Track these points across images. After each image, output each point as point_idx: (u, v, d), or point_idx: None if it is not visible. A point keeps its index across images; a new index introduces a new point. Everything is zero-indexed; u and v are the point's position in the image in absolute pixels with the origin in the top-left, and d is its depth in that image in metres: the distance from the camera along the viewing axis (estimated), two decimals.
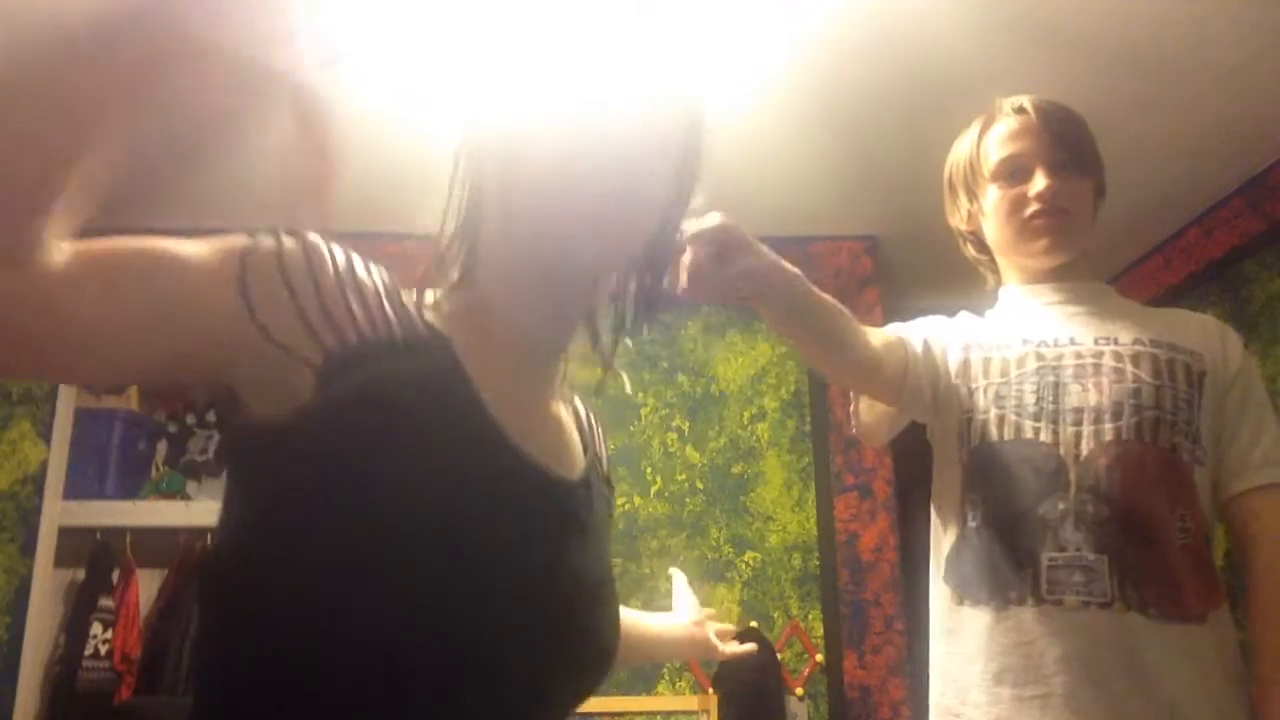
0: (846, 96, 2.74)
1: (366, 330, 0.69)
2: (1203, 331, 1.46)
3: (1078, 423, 1.35)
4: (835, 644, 3.26)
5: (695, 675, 3.21)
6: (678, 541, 3.39)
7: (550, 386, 0.91)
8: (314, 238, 0.71)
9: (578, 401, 1.02)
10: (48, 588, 3.31)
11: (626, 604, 3.61)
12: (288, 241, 0.69)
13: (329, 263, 0.70)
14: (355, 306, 0.69)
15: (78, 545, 3.35)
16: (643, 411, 3.51)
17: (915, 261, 3.75)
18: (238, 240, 0.69)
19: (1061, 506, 1.32)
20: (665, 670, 3.27)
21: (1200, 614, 1.32)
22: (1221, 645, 1.34)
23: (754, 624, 3.25)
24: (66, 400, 3.43)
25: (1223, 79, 2.67)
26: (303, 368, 0.66)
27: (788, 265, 1.26)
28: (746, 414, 3.53)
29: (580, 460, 0.88)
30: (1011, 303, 1.56)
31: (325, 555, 0.61)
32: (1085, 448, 1.34)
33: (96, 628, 3.20)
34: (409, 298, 0.78)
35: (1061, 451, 1.35)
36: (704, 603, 3.29)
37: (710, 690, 3.12)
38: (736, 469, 3.47)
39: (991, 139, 1.54)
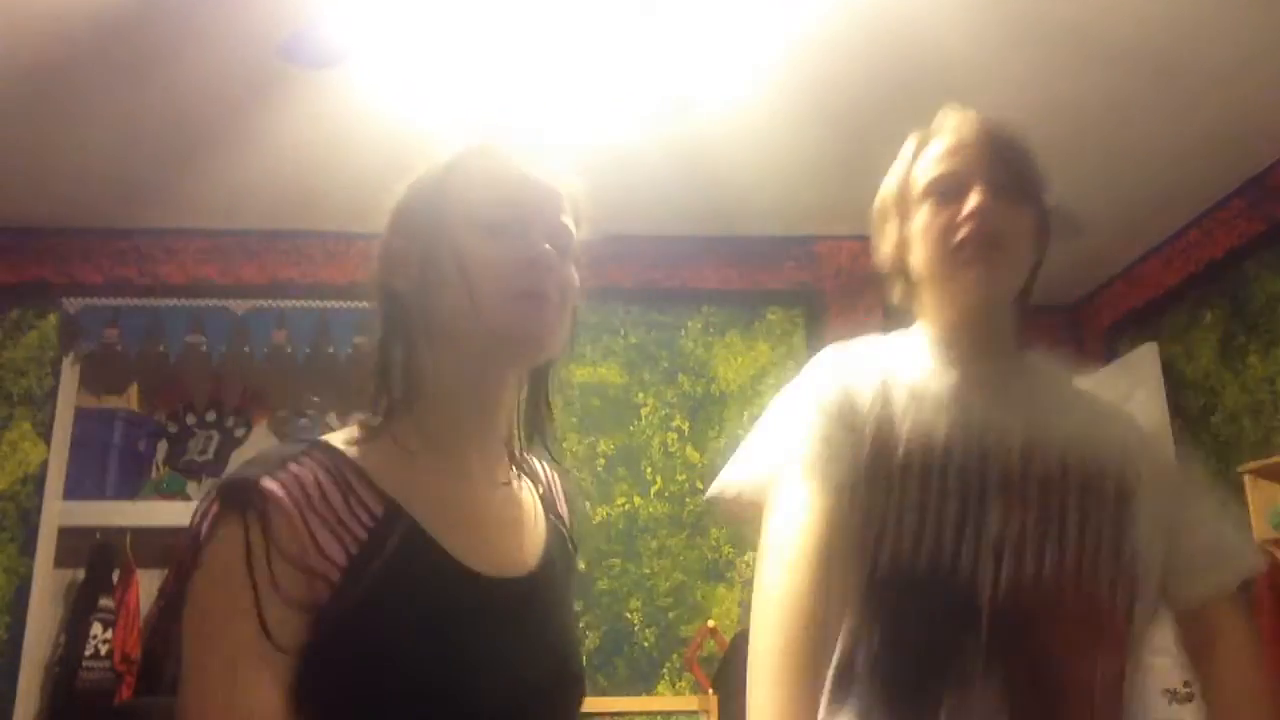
0: (846, 96, 2.74)
1: (349, 551, 0.87)
2: (1126, 436, 1.26)
3: (996, 554, 1.13)
4: None
5: (695, 675, 3.20)
6: (678, 541, 3.39)
7: (500, 466, 1.03)
8: (273, 511, 0.85)
9: (538, 464, 1.12)
10: (48, 588, 3.31)
11: (625, 604, 3.59)
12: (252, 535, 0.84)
13: (294, 522, 0.85)
14: (327, 542, 0.86)
15: (78, 545, 3.35)
16: (643, 411, 3.51)
17: None
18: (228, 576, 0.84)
19: (965, 667, 1.12)
20: (665, 670, 3.27)
21: None
22: None
23: None
24: (66, 400, 3.43)
25: (1222, 79, 2.67)
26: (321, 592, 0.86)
27: None
28: (747, 414, 3.53)
29: (539, 543, 1.03)
30: (931, 360, 1.31)
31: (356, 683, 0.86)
32: (1005, 582, 1.13)
33: (96, 628, 3.20)
34: (353, 467, 0.91)
35: (978, 591, 1.12)
36: (704, 603, 3.31)
37: (710, 690, 3.12)
38: None
39: (926, 156, 1.34)
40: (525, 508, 1.04)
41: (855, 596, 1.17)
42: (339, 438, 0.93)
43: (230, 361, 3.48)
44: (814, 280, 3.64)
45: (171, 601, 3.29)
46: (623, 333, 3.57)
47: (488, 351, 0.97)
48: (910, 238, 1.32)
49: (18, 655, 3.15)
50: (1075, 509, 1.16)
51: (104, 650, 3.19)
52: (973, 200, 1.24)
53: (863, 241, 4.12)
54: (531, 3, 2.33)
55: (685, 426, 3.51)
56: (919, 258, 1.30)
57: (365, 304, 1.02)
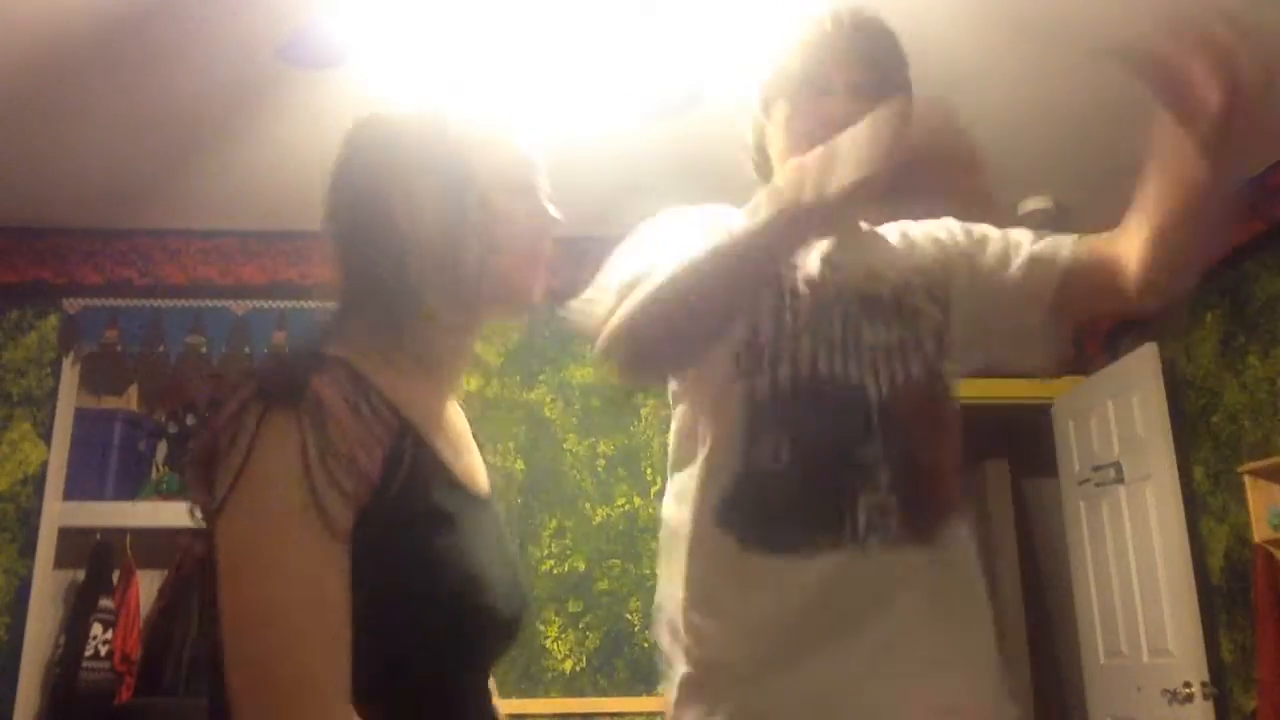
0: None
1: (383, 455, 0.89)
2: (934, 239, 1.37)
3: (874, 363, 1.24)
4: None
5: None
6: None
7: (457, 397, 1.08)
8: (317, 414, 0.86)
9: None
10: (48, 588, 3.31)
11: (626, 605, 3.58)
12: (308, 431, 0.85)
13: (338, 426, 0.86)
14: (368, 443, 0.88)
15: (78, 546, 3.35)
16: (643, 411, 3.51)
17: None
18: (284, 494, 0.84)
19: (871, 450, 1.21)
20: (666, 670, 3.27)
21: (939, 538, 1.24)
22: (954, 561, 1.25)
23: None
24: (66, 401, 3.43)
25: None
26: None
27: None
28: None
29: (483, 467, 1.08)
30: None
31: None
32: (885, 389, 1.23)
33: (96, 628, 3.20)
34: (369, 382, 0.92)
35: (870, 394, 1.22)
36: None
37: None
38: None
39: (791, 47, 1.33)
40: (470, 433, 1.10)
41: (736, 412, 1.23)
42: (339, 351, 0.94)
43: (230, 361, 3.48)
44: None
45: (171, 602, 3.29)
46: None
47: (484, 300, 1.01)
48: (772, 137, 1.35)
49: (18, 656, 3.15)
50: (912, 315, 1.28)
51: (104, 651, 3.19)
52: (831, 104, 1.25)
53: None
54: (532, 2, 2.33)
55: None
56: (776, 153, 1.34)
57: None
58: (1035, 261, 1.32)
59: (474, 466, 1.05)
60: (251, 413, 0.85)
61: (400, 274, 0.96)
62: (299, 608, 0.81)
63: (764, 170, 1.41)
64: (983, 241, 1.36)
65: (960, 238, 1.37)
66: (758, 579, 1.20)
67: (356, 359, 0.93)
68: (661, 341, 1.22)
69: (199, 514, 0.88)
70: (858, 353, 1.24)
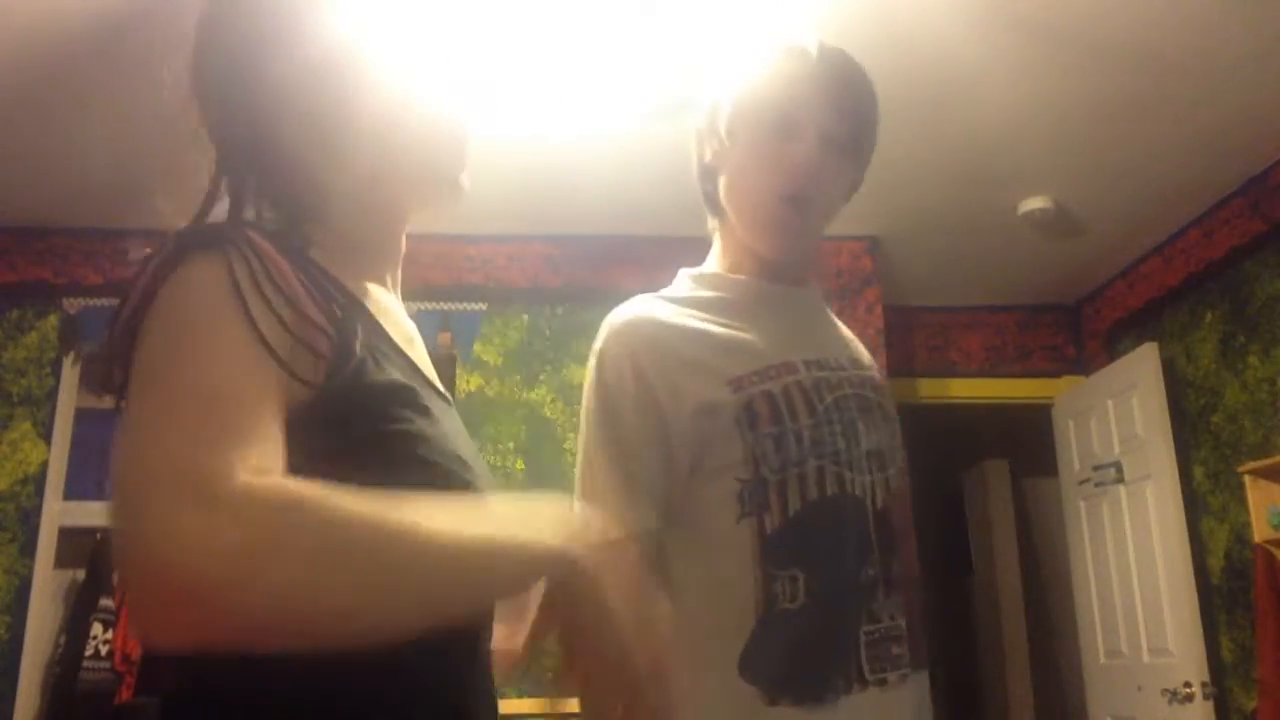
0: None
1: (334, 314, 0.78)
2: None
3: (871, 470, 1.16)
4: None
5: None
6: None
7: (395, 292, 0.97)
8: (261, 267, 0.74)
9: None
10: (48, 588, 3.31)
11: None
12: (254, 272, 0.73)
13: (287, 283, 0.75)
14: (316, 295, 0.77)
15: (78, 545, 3.35)
16: None
17: (915, 261, 3.75)
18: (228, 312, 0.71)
19: (872, 571, 1.13)
20: None
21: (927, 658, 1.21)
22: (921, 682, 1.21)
23: None
24: (67, 401, 3.43)
25: (1223, 79, 2.67)
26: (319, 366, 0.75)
27: None
28: None
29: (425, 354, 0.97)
30: (744, 298, 1.27)
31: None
32: (880, 501, 1.15)
33: (97, 628, 3.20)
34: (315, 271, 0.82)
35: (868, 505, 1.14)
36: None
37: None
38: None
39: (768, 75, 1.25)
40: (419, 336, 0.99)
41: (744, 555, 1.12)
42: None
43: None
44: (814, 280, 3.63)
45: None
46: None
47: (395, 181, 0.92)
48: (727, 164, 1.26)
49: (18, 655, 3.15)
50: (882, 419, 1.21)
51: (104, 650, 3.19)
52: (799, 152, 1.19)
53: (862, 241, 4.12)
54: (532, 2, 2.33)
55: None
56: (733, 189, 1.26)
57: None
58: None
59: (428, 363, 0.94)
60: (171, 263, 0.73)
61: (303, 141, 0.86)
62: (205, 402, 0.65)
63: (711, 196, 1.32)
64: None
65: None
66: None
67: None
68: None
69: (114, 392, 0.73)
70: (857, 463, 1.15)
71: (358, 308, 0.83)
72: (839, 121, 1.20)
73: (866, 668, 1.10)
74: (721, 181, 1.27)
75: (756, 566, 1.11)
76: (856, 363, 1.25)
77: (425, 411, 0.81)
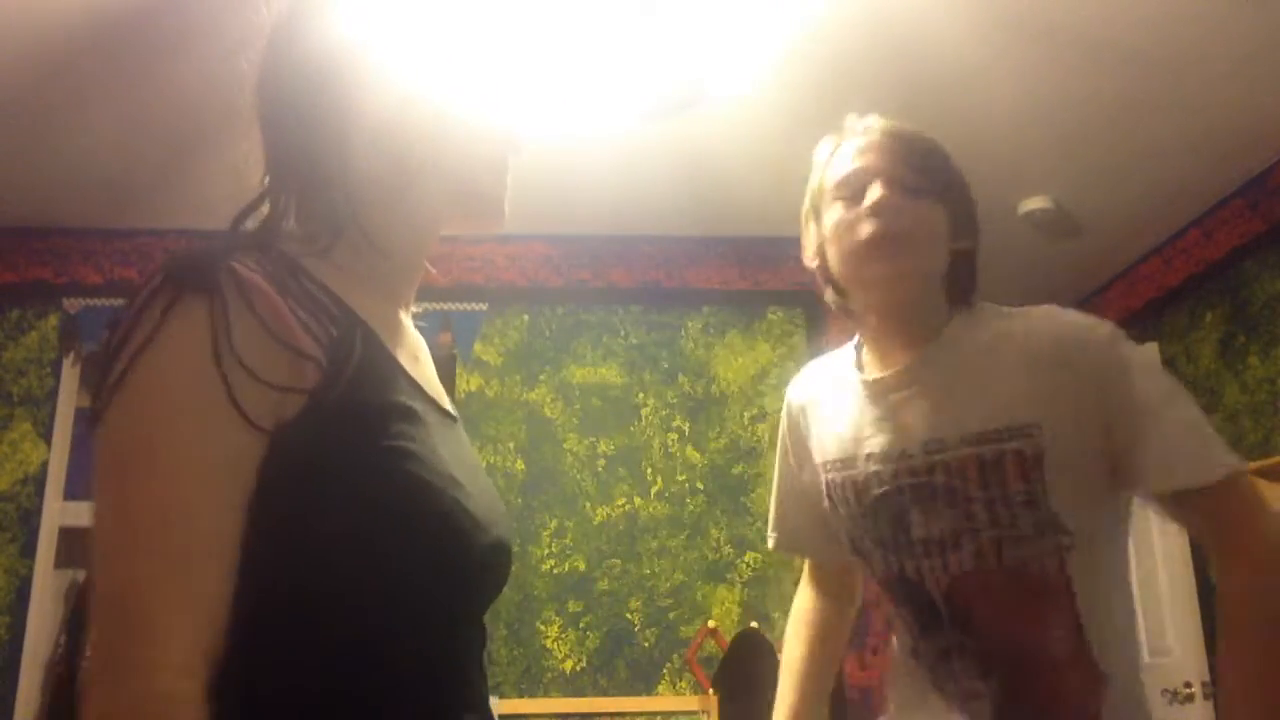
0: (848, 96, 2.73)
1: (328, 336, 0.79)
2: (1047, 381, 1.25)
3: (927, 555, 1.26)
4: None
5: (696, 675, 3.21)
6: (678, 542, 3.39)
7: (408, 312, 0.98)
8: (241, 306, 0.75)
9: None
10: (48, 588, 3.31)
11: (626, 604, 3.58)
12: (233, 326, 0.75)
13: (268, 315, 0.76)
14: (309, 322, 0.78)
15: (78, 545, 3.34)
16: (643, 412, 3.51)
17: None
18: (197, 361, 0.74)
19: (943, 644, 1.27)
20: (666, 670, 3.27)
21: (1092, 713, 1.21)
22: None
23: (755, 625, 3.25)
24: (67, 401, 3.43)
25: (1223, 79, 2.67)
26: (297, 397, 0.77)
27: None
28: (747, 414, 3.53)
29: (443, 389, 0.98)
30: (845, 384, 1.38)
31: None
32: (945, 583, 1.25)
33: None
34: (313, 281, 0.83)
35: (928, 587, 1.26)
36: (704, 603, 3.31)
37: (710, 690, 3.12)
38: (737, 469, 3.47)
39: (836, 157, 1.36)
40: (429, 354, 1.00)
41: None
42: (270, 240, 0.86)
43: None
44: (814, 280, 3.63)
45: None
46: (623, 333, 3.57)
47: (440, 203, 0.93)
48: (825, 239, 1.36)
49: (18, 655, 3.15)
50: (982, 496, 1.22)
51: None
52: (873, 193, 1.28)
53: None
54: (532, 2, 2.33)
55: (685, 427, 3.51)
56: (833, 255, 1.34)
57: None
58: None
59: (435, 382, 0.95)
60: (158, 301, 0.74)
61: (343, 157, 0.87)
62: (166, 514, 0.70)
63: (824, 273, 1.41)
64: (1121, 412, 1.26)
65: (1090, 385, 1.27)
66: None
67: (290, 246, 0.84)
68: None
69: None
70: (907, 550, 1.27)
71: (358, 326, 0.83)
72: (904, 170, 1.29)
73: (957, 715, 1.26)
74: (830, 263, 1.37)
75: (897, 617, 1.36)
76: (935, 444, 1.26)
77: (420, 430, 0.82)
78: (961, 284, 1.33)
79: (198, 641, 0.69)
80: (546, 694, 3.23)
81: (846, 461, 1.33)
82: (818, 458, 1.38)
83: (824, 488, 1.36)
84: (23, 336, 3.43)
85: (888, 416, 1.31)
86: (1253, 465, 3.14)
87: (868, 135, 1.34)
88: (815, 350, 3.55)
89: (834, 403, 1.38)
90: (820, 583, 1.54)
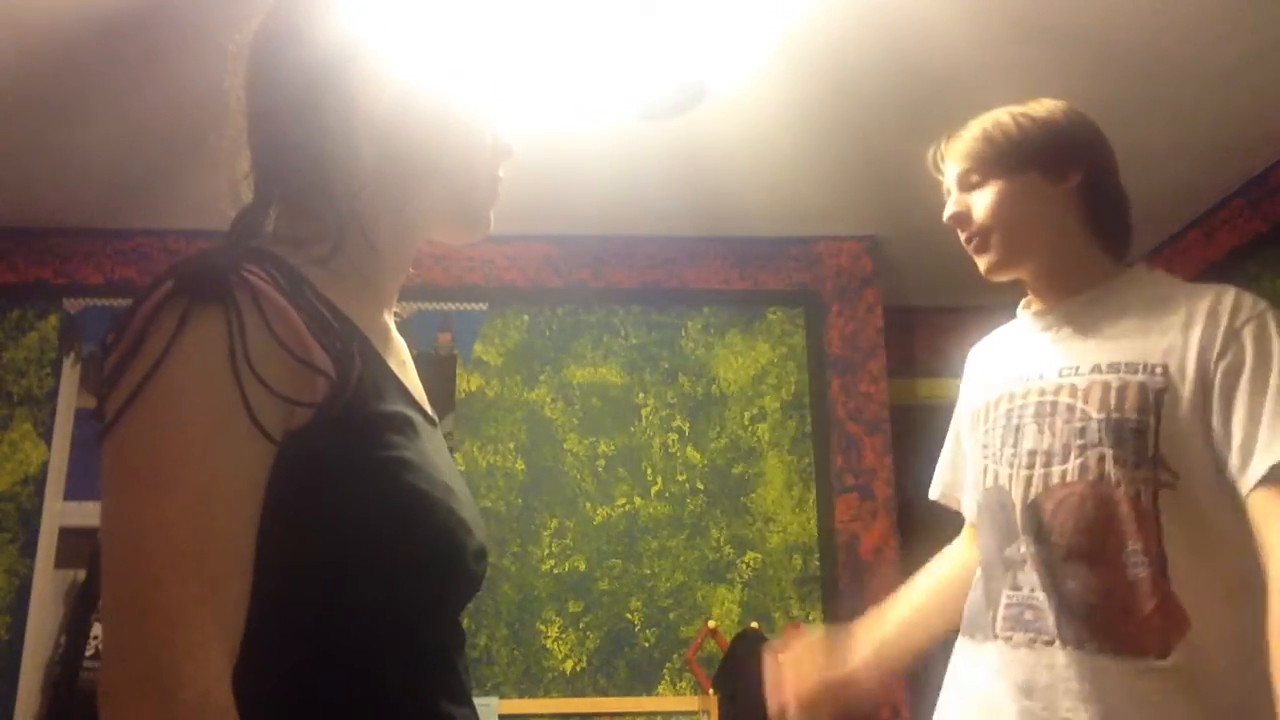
0: (848, 96, 2.74)
1: (333, 349, 0.80)
2: (1181, 327, 1.33)
3: (1030, 465, 1.37)
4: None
5: (696, 675, 3.21)
6: (678, 542, 3.39)
7: (391, 315, 0.99)
8: (252, 314, 0.75)
9: None
10: (48, 588, 3.31)
11: (626, 604, 3.57)
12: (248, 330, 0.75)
13: (278, 326, 0.77)
14: (318, 334, 0.79)
15: (78, 545, 3.34)
16: (643, 412, 3.51)
17: (915, 261, 3.75)
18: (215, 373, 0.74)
19: (1022, 550, 1.35)
20: (666, 670, 3.27)
21: (1160, 649, 1.24)
22: (1194, 679, 1.23)
23: (755, 624, 3.25)
24: (67, 400, 3.43)
25: (1223, 79, 2.67)
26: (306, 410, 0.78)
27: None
28: (747, 415, 3.53)
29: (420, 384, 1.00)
30: (1013, 330, 1.58)
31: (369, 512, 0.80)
32: (1034, 491, 1.35)
33: (97, 628, 3.19)
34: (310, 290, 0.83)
35: (1015, 497, 1.37)
36: (704, 603, 3.31)
37: (710, 690, 3.12)
38: (737, 469, 3.47)
39: (945, 183, 1.58)
40: (410, 357, 1.01)
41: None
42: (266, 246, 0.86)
43: None
44: (814, 280, 3.64)
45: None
46: (623, 333, 3.57)
47: (430, 213, 0.94)
48: None
49: (18, 656, 3.15)
50: (1098, 418, 1.32)
51: None
52: (947, 208, 1.50)
53: (862, 241, 4.13)
54: (531, 2, 2.33)
55: (686, 427, 3.51)
56: None
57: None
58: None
59: (418, 385, 0.97)
60: (172, 310, 0.73)
61: (347, 166, 0.86)
62: (190, 532, 0.70)
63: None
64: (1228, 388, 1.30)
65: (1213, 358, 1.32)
66: (954, 660, 1.48)
67: (287, 253, 0.84)
68: None
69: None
70: (1010, 460, 1.40)
71: (356, 336, 0.84)
72: (967, 166, 1.49)
73: (999, 626, 1.37)
74: None
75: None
76: (1069, 369, 1.39)
77: (415, 439, 0.84)
78: (1104, 219, 1.47)
79: (226, 651, 0.71)
80: (547, 694, 3.23)
81: (991, 385, 1.49)
82: (971, 395, 1.55)
83: (971, 416, 1.52)
84: (23, 336, 3.43)
85: (1035, 346, 1.46)
86: None
87: (945, 152, 1.54)
88: (815, 350, 3.56)
89: (999, 344, 1.57)
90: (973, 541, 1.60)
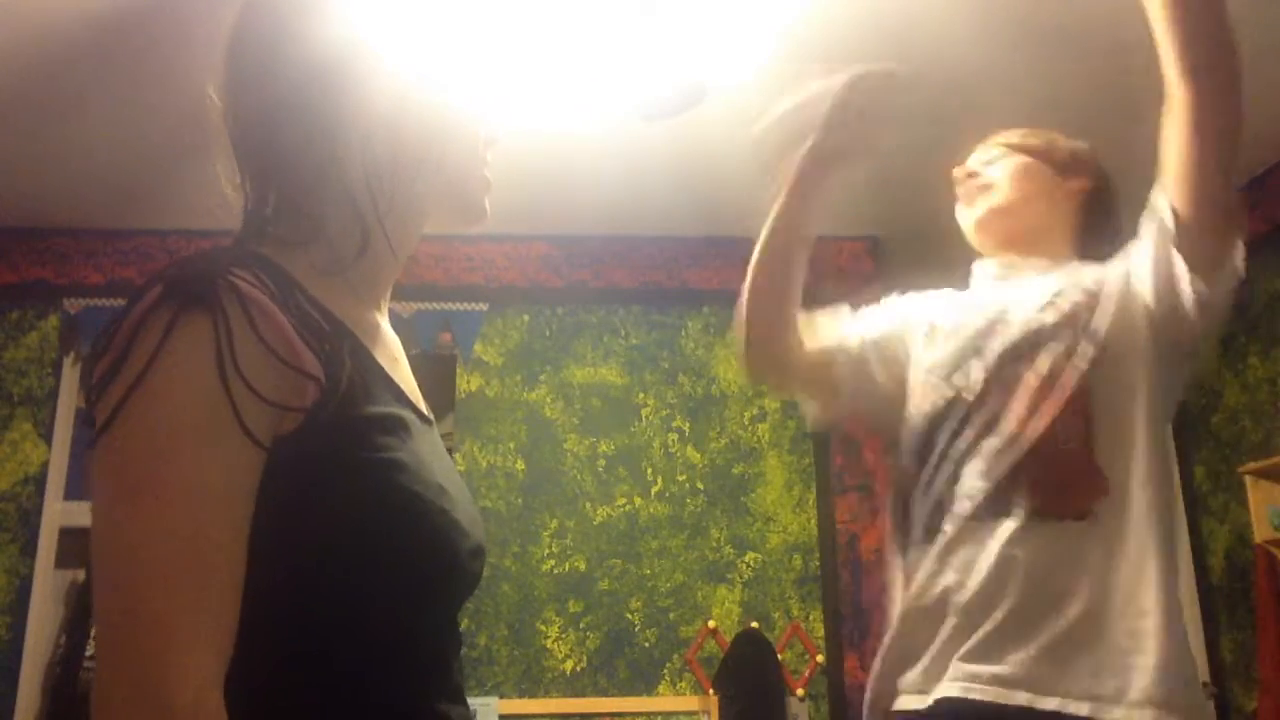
0: None
1: (322, 352, 0.79)
2: (1100, 268, 1.59)
3: (985, 370, 1.50)
4: (836, 645, 3.26)
5: (696, 675, 3.21)
6: (678, 542, 3.39)
7: (384, 312, 0.98)
8: (238, 321, 0.75)
9: None
10: (48, 588, 3.31)
11: (626, 605, 3.57)
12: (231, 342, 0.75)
13: (263, 329, 0.76)
14: (307, 339, 0.78)
15: (78, 545, 3.34)
16: (643, 412, 3.51)
17: (915, 261, 3.74)
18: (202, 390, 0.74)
19: (964, 446, 1.46)
20: (666, 670, 3.27)
21: (1081, 510, 1.41)
22: (1113, 534, 1.41)
23: (755, 624, 3.25)
24: (67, 401, 3.43)
25: None
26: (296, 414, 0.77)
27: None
28: (747, 415, 3.53)
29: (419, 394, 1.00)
30: (972, 279, 1.73)
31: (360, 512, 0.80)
32: (981, 385, 1.49)
33: None
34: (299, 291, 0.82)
35: (965, 395, 1.50)
36: (704, 603, 3.31)
37: (710, 691, 3.12)
38: (737, 469, 3.47)
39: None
40: (404, 354, 0.99)
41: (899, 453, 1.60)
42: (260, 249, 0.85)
43: None
44: (814, 280, 3.63)
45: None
46: (623, 333, 3.57)
47: (426, 209, 0.93)
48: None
49: (19, 656, 3.15)
50: (1040, 329, 1.50)
51: None
52: (964, 167, 1.69)
53: (863, 241, 4.12)
54: (531, 2, 2.33)
55: (686, 427, 3.51)
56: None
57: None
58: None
59: (413, 383, 0.96)
60: (159, 316, 0.73)
61: (342, 164, 0.86)
62: (180, 541, 0.70)
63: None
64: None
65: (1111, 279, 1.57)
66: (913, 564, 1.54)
67: (280, 257, 0.84)
68: (751, 318, 1.70)
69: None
70: (977, 357, 1.52)
71: (345, 336, 0.83)
72: (985, 153, 1.69)
73: (954, 512, 1.45)
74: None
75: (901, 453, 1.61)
76: (1022, 301, 1.55)
77: (408, 439, 0.83)
78: (1090, 232, 1.69)
79: (218, 658, 0.71)
80: (547, 694, 3.23)
81: (948, 321, 1.61)
82: (928, 320, 1.66)
83: (921, 338, 1.64)
84: (23, 337, 3.43)
85: (988, 288, 1.65)
86: (1253, 465, 3.14)
87: (977, 147, 1.70)
88: None
89: (957, 293, 1.72)
90: (813, 358, 1.71)
